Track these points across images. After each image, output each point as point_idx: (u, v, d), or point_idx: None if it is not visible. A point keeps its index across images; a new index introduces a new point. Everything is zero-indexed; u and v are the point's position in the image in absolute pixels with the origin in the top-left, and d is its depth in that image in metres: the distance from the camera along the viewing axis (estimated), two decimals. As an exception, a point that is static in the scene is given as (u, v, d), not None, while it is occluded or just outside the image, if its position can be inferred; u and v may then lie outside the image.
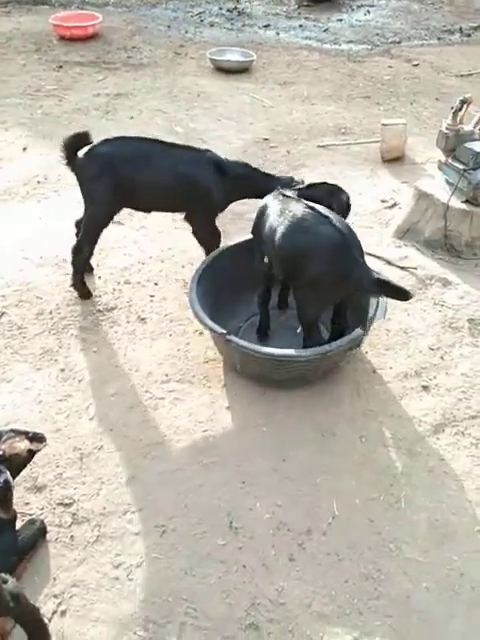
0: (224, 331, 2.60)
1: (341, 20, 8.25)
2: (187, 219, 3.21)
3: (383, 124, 4.67)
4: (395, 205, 4.09)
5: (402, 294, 2.53)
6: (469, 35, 7.77)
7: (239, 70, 6.47)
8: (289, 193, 2.78)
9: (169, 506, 2.37)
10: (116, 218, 3.86)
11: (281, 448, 2.59)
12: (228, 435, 2.64)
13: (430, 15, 8.47)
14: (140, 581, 2.14)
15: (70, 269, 3.41)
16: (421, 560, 2.24)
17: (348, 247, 2.49)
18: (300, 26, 8.00)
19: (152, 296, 3.35)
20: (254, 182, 3.04)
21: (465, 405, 2.78)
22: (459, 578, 2.20)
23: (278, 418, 2.71)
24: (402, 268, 3.48)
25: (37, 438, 2.10)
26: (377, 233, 3.85)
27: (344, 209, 2.91)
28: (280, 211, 2.67)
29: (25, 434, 2.07)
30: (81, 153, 2.95)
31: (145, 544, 2.25)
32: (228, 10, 8.54)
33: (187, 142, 4.91)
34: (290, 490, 2.44)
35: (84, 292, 3.25)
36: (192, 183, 3.00)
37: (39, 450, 2.13)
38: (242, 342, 2.58)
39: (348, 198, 2.96)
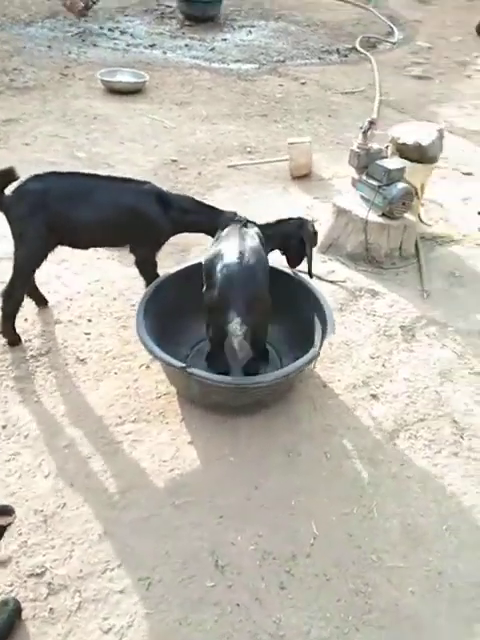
0: (183, 365, 2.57)
1: (225, 40, 8.48)
2: (131, 251, 3.13)
3: (290, 143, 4.87)
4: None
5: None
6: (346, 56, 8.33)
7: (132, 91, 6.42)
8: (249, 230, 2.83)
9: (149, 556, 2.29)
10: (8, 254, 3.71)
11: (251, 476, 2.60)
12: (196, 471, 2.60)
13: (308, 36, 8.97)
14: (134, 642, 2.05)
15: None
16: (402, 566, 2.36)
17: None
18: (186, 46, 8.12)
19: (88, 334, 3.21)
20: (198, 216, 3.04)
21: (413, 409, 2.97)
22: (438, 577, 2.33)
23: (242, 446, 2.72)
24: (332, 282, 3.65)
25: (6, 511, 1.93)
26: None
27: (312, 238, 3.06)
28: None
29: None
30: (9, 191, 2.78)
31: (132, 601, 2.15)
32: (109, 29, 8.45)
33: (92, 168, 4.84)
34: (268, 517, 2.46)
35: (14, 339, 3.05)
36: (136, 216, 2.93)
37: (9, 524, 1.96)
38: (203, 373, 2.56)
39: (313, 226, 3.09)
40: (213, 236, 2.95)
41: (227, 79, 7.17)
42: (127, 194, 2.92)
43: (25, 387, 2.88)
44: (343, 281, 3.64)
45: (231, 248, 2.61)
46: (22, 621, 2.06)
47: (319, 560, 2.34)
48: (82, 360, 3.05)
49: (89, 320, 3.30)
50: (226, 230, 2.83)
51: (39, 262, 2.93)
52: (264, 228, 2.94)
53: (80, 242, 3.02)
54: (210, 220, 2.98)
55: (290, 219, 3.06)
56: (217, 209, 3.06)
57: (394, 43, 9.09)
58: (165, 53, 7.79)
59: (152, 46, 7.97)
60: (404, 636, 2.16)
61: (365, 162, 3.78)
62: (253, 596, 2.21)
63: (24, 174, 2.84)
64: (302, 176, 4.96)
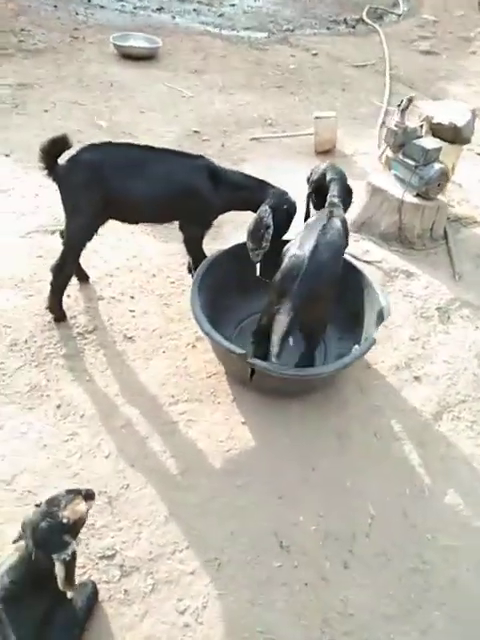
0: (243, 351, 2.47)
1: (234, 5, 8.09)
2: (180, 228, 2.98)
3: (316, 117, 4.68)
4: (341, 199, 4.14)
5: None
6: (354, 27, 8.02)
7: (146, 57, 6.09)
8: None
9: (216, 537, 2.25)
10: (52, 227, 3.55)
11: (306, 457, 2.56)
12: (252, 452, 2.55)
13: (315, 5, 8.59)
14: (211, 623, 2.02)
15: (32, 289, 3.06)
16: (456, 545, 2.36)
17: None
18: (195, 10, 7.72)
19: (132, 311, 3.09)
20: (251, 193, 2.87)
21: (454, 391, 2.94)
22: (491, 555, 2.36)
23: (295, 428, 2.67)
24: (368, 262, 3.56)
25: (89, 495, 1.85)
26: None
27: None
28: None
29: (80, 493, 1.81)
30: (64, 160, 2.59)
31: (204, 582, 2.12)
32: (115, -11, 7.97)
33: (114, 137, 4.60)
34: (325, 498, 2.43)
35: (60, 315, 2.91)
36: (189, 192, 2.77)
37: (90, 508, 1.88)
38: (265, 364, 2.47)
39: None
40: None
41: (239, 47, 6.85)
42: (181, 169, 2.76)
43: (75, 365, 2.77)
44: (379, 262, 3.56)
45: (308, 238, 2.47)
46: (99, 602, 2.01)
47: (378, 540, 2.33)
48: (130, 338, 2.94)
49: (132, 297, 3.16)
50: (315, 216, 2.68)
51: (91, 235, 2.77)
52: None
53: (132, 216, 2.85)
54: (261, 196, 2.83)
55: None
56: (268, 184, 2.90)
57: (399, 15, 8.79)
58: (174, 17, 7.39)
59: (160, 10, 7.56)
60: (463, 613, 2.18)
61: (401, 141, 3.64)
62: (319, 576, 2.20)
63: None
64: (326, 151, 4.80)
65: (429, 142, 3.59)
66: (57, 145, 2.53)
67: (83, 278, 3.14)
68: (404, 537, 2.35)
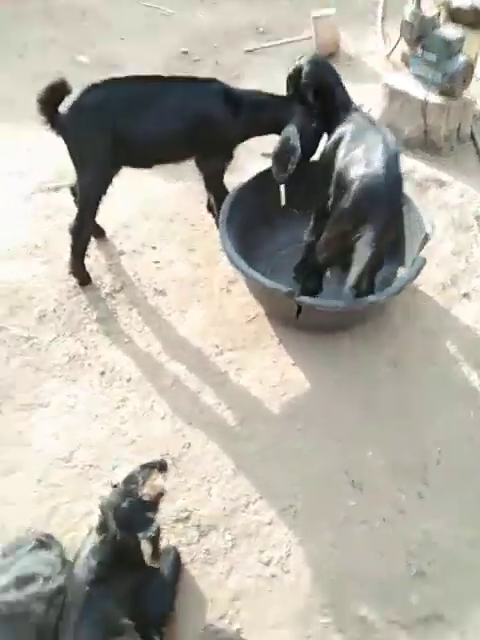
0: (290, 289, 2.33)
1: None
2: (199, 164, 2.74)
3: (314, 17, 4.24)
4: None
5: None
6: None
7: (114, -26, 5.50)
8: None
9: (286, 484, 2.21)
10: (54, 183, 3.32)
11: (363, 392, 2.48)
12: (307, 393, 2.47)
13: None
14: (297, 570, 2.01)
15: (48, 254, 2.89)
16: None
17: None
18: None
19: (157, 262, 2.92)
20: (275, 112, 2.57)
21: (506, 306, 2.81)
22: None
23: (346, 362, 2.57)
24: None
25: (163, 466, 1.79)
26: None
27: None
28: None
29: (154, 467, 1.75)
30: (64, 107, 2.33)
31: (283, 531, 2.10)
32: None
33: (100, 72, 4.17)
34: (389, 431, 2.37)
35: (85, 278, 2.75)
36: (206, 121, 2.51)
37: (166, 479, 1.83)
38: (312, 301, 2.34)
39: None
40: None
41: None
42: (194, 97, 2.49)
43: (110, 328, 2.65)
44: (410, 172, 3.30)
45: (372, 151, 2.21)
46: (183, 566, 2.00)
47: (448, 467, 2.29)
48: (160, 291, 2.79)
49: (153, 247, 2.98)
50: (352, 123, 2.39)
51: (106, 187, 2.55)
52: None
53: (148, 158, 2.61)
54: (285, 116, 2.54)
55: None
56: (292, 101, 2.58)
57: None
58: None
59: None
60: None
61: (419, 33, 3.28)
62: (396, 509, 2.17)
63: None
64: (329, 55, 4.38)
65: (450, 31, 3.23)
66: (56, 92, 2.29)
67: (99, 233, 2.94)
68: (475, 461, 2.31)
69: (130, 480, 1.69)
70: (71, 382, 2.46)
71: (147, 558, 1.67)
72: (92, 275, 2.82)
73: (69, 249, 2.66)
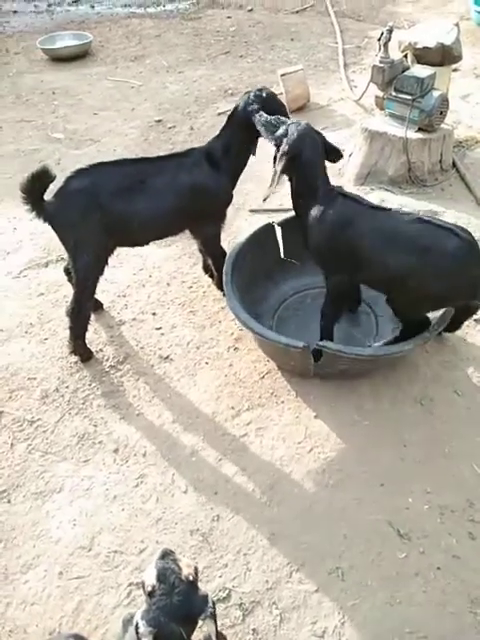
0: (305, 344, 2.36)
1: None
2: (194, 234, 2.83)
3: (282, 75, 4.53)
4: (336, 153, 4.02)
5: None
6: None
7: (79, 55, 5.87)
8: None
9: (328, 545, 2.15)
10: (45, 260, 3.39)
11: (393, 434, 2.47)
12: (335, 444, 2.45)
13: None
14: (355, 636, 1.92)
15: (45, 332, 2.91)
16: None
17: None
18: (112, -6, 7.46)
19: (159, 328, 2.95)
20: (236, 136, 2.65)
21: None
22: None
23: (371, 406, 2.57)
24: (387, 213, 3.44)
25: (168, 553, 1.74)
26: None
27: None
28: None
29: (171, 552, 1.69)
30: (51, 195, 2.41)
31: (333, 597, 2.02)
32: (21, -9, 7.67)
33: (75, 146, 4.43)
34: (428, 472, 2.34)
35: (87, 354, 2.76)
36: (197, 192, 2.60)
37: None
38: (337, 347, 2.37)
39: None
40: None
41: (171, 22, 6.64)
42: (181, 172, 2.58)
43: (118, 402, 2.63)
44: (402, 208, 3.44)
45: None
46: (231, 651, 1.90)
47: (496, 500, 2.25)
48: (166, 358, 2.80)
49: (154, 314, 3.02)
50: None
51: (102, 270, 2.61)
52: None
53: (142, 238, 2.69)
54: (240, 124, 2.62)
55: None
56: (233, 112, 2.68)
57: None
58: (93, 7, 7.15)
59: (76, 2, 7.28)
60: None
61: (390, 76, 3.51)
62: (449, 555, 2.11)
63: (15, 173, 2.45)
64: (300, 108, 4.65)
65: (420, 71, 3.46)
66: (39, 180, 2.34)
67: (97, 306, 2.98)
68: (520, 492, 2.28)
69: (165, 574, 1.61)
70: (83, 463, 2.42)
71: (213, 637, 1.60)
72: (93, 348, 2.83)
73: (68, 331, 2.69)
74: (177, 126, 4.63)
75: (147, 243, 2.79)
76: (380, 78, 3.52)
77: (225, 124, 2.75)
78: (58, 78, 5.45)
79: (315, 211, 2.46)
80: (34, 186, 2.35)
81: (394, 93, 3.52)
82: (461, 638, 1.91)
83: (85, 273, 2.56)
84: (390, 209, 2.50)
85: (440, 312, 2.52)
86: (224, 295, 2.74)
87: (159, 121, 4.70)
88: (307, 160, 2.47)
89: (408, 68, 3.53)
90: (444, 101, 3.46)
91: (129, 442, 2.48)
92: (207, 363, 2.78)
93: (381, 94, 3.64)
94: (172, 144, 4.38)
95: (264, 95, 2.65)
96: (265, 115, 2.52)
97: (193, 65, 5.63)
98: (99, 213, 2.43)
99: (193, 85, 5.23)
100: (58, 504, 2.30)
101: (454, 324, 2.63)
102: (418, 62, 3.69)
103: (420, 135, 3.54)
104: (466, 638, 1.91)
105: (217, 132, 2.77)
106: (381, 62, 3.47)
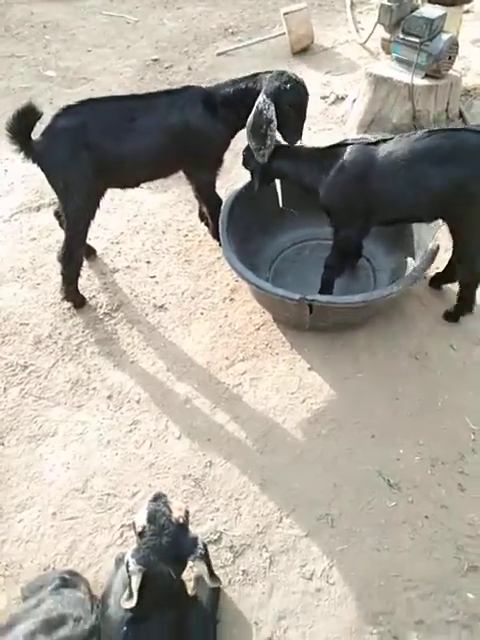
0: (303, 296, 2.36)
1: None
2: (188, 177, 2.77)
3: (285, 13, 4.36)
4: (339, 99, 3.92)
5: None
6: None
7: (70, -14, 5.60)
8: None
9: (319, 492, 2.21)
10: (37, 203, 3.34)
11: (386, 387, 2.50)
12: (328, 396, 2.48)
13: None
14: (343, 580, 2.01)
15: (37, 277, 2.90)
16: None
17: None
18: None
19: (153, 277, 2.94)
20: (248, 94, 2.47)
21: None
22: None
23: (365, 359, 2.60)
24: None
25: (159, 496, 1.80)
26: (340, 133, 3.68)
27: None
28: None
29: (162, 495, 1.75)
30: (38, 134, 2.34)
31: (322, 542, 2.09)
32: None
33: (68, 85, 4.29)
34: (420, 424, 2.39)
35: (80, 300, 2.75)
36: (189, 132, 2.51)
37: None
38: (327, 298, 2.37)
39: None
40: None
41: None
42: (173, 109, 2.49)
43: (112, 349, 2.65)
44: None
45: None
46: (221, 590, 1.98)
47: (486, 454, 2.31)
48: (160, 307, 2.80)
49: (148, 262, 3.00)
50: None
51: (93, 213, 2.56)
52: None
53: (133, 179, 2.63)
54: (257, 87, 2.44)
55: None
56: (260, 74, 2.49)
57: None
58: None
59: None
60: None
61: (398, 17, 3.38)
62: (437, 504, 2.18)
63: (6, 112, 2.36)
64: (303, 49, 4.50)
65: (430, 11, 3.33)
66: (25, 118, 2.26)
67: (90, 253, 2.96)
68: (512, 444, 2.34)
69: (156, 516, 1.67)
70: (77, 409, 2.45)
71: (207, 579, 1.67)
72: (87, 295, 2.83)
73: (60, 276, 2.67)
74: (174, 66, 4.49)
75: (138, 185, 2.73)
76: (388, 18, 3.39)
77: (238, 84, 2.55)
78: (49, 10, 5.23)
79: (324, 173, 2.39)
80: (20, 124, 2.27)
81: (402, 35, 3.39)
82: (445, 581, 1.99)
83: (76, 217, 2.52)
84: (391, 137, 2.35)
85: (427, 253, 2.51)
86: (220, 245, 2.72)
87: (156, 60, 4.55)
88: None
89: (417, 8, 3.39)
90: (453, 45, 3.35)
91: (123, 389, 2.51)
92: (202, 313, 2.79)
93: (388, 36, 3.51)
94: (169, 84, 4.25)
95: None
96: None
97: (192, 0, 5.40)
98: (88, 152, 2.37)
99: (192, 22, 5.03)
100: (51, 448, 2.34)
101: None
102: (428, 1, 3.55)
103: (427, 82, 3.43)
104: (450, 581, 1.99)
105: (222, 79, 2.61)
106: (389, 0, 3.34)
